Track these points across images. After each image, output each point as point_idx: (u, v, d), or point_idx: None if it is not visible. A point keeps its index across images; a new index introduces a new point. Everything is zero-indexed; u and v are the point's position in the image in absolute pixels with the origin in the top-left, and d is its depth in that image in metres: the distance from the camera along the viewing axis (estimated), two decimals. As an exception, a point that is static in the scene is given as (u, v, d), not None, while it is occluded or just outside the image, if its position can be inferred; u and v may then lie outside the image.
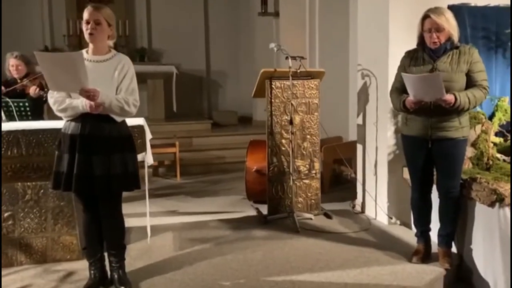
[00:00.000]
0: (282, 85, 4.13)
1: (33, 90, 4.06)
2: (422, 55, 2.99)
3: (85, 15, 2.71)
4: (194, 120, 8.51)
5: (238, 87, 9.53)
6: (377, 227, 3.93)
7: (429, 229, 3.23)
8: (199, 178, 6.10)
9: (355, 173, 5.03)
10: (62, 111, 2.64)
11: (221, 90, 9.85)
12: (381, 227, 3.91)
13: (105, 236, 2.82)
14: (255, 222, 4.13)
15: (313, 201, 4.26)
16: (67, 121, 2.70)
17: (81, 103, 2.59)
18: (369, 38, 4.11)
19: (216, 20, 9.48)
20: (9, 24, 8.60)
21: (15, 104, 3.80)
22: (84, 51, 2.77)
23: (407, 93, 2.92)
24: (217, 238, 3.73)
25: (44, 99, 3.95)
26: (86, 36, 2.71)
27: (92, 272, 2.82)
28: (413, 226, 3.33)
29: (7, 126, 3.12)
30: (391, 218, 3.94)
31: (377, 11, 3.97)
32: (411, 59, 3.05)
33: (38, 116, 4.09)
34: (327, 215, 4.21)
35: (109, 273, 2.87)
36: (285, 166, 4.18)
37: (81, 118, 2.65)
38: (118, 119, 2.70)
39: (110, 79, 2.68)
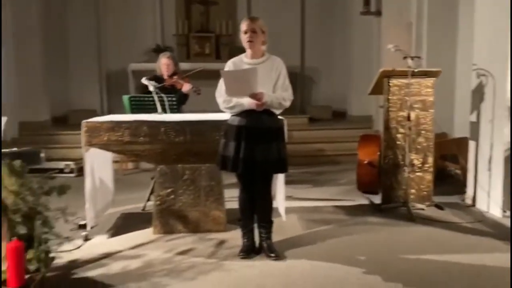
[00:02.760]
0: (399, 83, 4.44)
1: (187, 88, 4.69)
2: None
3: (243, 26, 3.20)
4: (291, 114, 8.97)
5: (331, 83, 9.85)
6: (491, 219, 4.14)
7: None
8: (304, 169, 6.53)
9: (461, 169, 5.22)
10: (231, 108, 3.18)
11: (315, 85, 10.22)
12: (495, 219, 4.11)
13: (257, 211, 3.34)
14: (369, 210, 4.49)
15: (425, 192, 4.54)
16: (232, 115, 3.24)
17: (247, 102, 3.11)
18: (487, 39, 4.29)
19: (312, 18, 9.88)
20: (125, 26, 9.60)
21: (168, 98, 4.44)
22: (243, 55, 3.29)
23: None
24: (338, 221, 4.15)
25: (198, 93, 4.62)
26: (245, 44, 3.21)
27: (245, 240, 3.36)
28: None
29: (175, 117, 3.75)
30: (505, 212, 4.12)
31: (495, 12, 4.15)
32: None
33: (180, 109, 4.75)
34: (438, 207, 4.47)
35: (257, 242, 3.39)
36: (399, 159, 4.50)
37: (245, 112, 3.17)
38: (276, 111, 3.20)
39: (267, 79, 3.18)
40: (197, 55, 9.56)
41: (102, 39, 9.64)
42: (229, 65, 3.25)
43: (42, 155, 3.47)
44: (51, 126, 8.54)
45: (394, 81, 4.45)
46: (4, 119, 3.35)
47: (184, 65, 6.33)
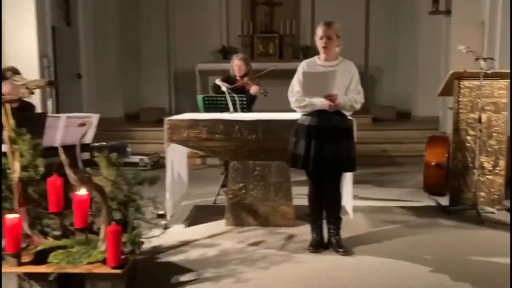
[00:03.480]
0: (470, 85, 4.40)
1: (255, 90, 4.92)
2: None
3: (319, 31, 3.33)
4: (354, 114, 8.97)
5: (395, 83, 9.74)
6: None
7: None
8: (367, 169, 6.52)
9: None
10: (302, 107, 3.34)
11: (378, 85, 10.14)
12: None
13: (327, 208, 3.48)
14: (436, 212, 4.49)
15: (495, 196, 4.46)
16: (303, 115, 3.40)
17: (320, 102, 3.25)
18: None
19: (376, 17, 9.81)
20: (192, 27, 10.00)
21: (239, 98, 4.68)
22: (316, 57, 3.43)
23: None
24: (404, 221, 4.19)
25: (265, 95, 4.82)
26: (320, 48, 3.35)
27: (314, 235, 3.51)
28: None
29: (248, 116, 3.96)
30: None
31: None
32: None
33: (250, 109, 4.97)
34: (509, 211, 4.38)
35: (325, 238, 3.53)
36: (468, 161, 4.45)
37: (316, 112, 3.31)
38: (346, 113, 3.32)
39: (340, 82, 3.29)
40: (261, 55, 9.78)
41: (171, 40, 10.12)
42: (303, 66, 3.39)
43: (129, 149, 3.79)
44: (124, 123, 9.10)
45: (465, 83, 4.41)
46: (96, 116, 3.71)
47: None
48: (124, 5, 9.29)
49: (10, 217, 2.66)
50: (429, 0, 7.48)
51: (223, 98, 4.73)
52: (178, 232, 3.86)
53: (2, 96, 2.76)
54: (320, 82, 3.18)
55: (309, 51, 10.00)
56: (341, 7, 9.61)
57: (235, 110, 4.62)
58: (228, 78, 5.04)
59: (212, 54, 10.14)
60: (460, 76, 4.43)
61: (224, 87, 4.62)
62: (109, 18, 8.63)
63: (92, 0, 8.04)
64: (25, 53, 5.69)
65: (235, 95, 4.65)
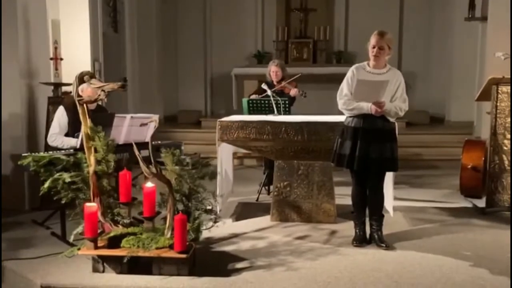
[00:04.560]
0: (508, 91, 4.54)
1: (294, 92, 5.19)
2: None
3: (372, 40, 3.53)
4: (387, 118, 9.14)
5: (429, 88, 9.84)
6: None
7: None
8: (403, 172, 6.66)
9: None
10: (350, 110, 3.57)
11: (411, 90, 10.21)
12: None
13: (370, 206, 3.69)
14: (472, 213, 4.64)
15: (532, 198, 4.58)
16: (349, 117, 3.63)
17: (367, 107, 3.47)
18: None
19: (410, 23, 9.95)
20: (228, 33, 10.34)
21: (282, 101, 4.95)
22: (366, 63, 3.64)
23: None
24: (442, 221, 4.36)
25: (304, 96, 5.08)
26: (371, 56, 3.56)
27: (357, 230, 3.73)
28: None
29: (294, 118, 4.23)
30: None
31: None
32: None
33: (290, 111, 5.23)
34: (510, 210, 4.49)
35: (368, 234, 3.74)
36: (505, 164, 4.59)
37: (362, 115, 3.54)
38: (391, 119, 3.54)
39: (388, 89, 3.50)
40: (295, 60, 10.05)
41: (208, 46, 10.50)
42: (352, 71, 3.61)
43: (183, 147, 4.09)
44: (164, 124, 9.49)
45: (503, 88, 4.55)
46: (156, 116, 4.03)
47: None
48: (165, 13, 9.71)
49: (88, 205, 3.00)
50: (465, 7, 7.57)
51: (266, 101, 5.01)
52: (227, 226, 4.14)
53: (82, 98, 3.10)
54: (371, 90, 3.41)
55: (343, 56, 10.22)
56: (375, 13, 9.80)
57: (279, 113, 4.90)
58: (266, 84, 5.32)
59: (247, 59, 10.47)
60: (498, 82, 4.57)
61: (269, 91, 4.90)
62: (152, 26, 9.05)
63: (137, 8, 8.46)
64: (79, 57, 6.09)
65: (278, 98, 4.92)
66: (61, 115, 4.23)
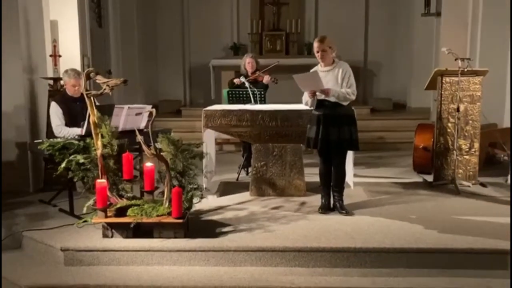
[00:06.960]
0: (451, 81, 5.31)
1: (267, 79, 5.85)
2: None
3: (315, 47, 4.25)
4: (353, 105, 9.86)
5: (392, 77, 10.66)
6: (527, 195, 4.94)
7: None
8: (366, 154, 7.46)
9: (508, 155, 5.98)
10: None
11: (376, 79, 11.04)
12: (531, 196, 4.91)
13: (333, 179, 4.40)
14: (422, 186, 5.42)
15: (471, 173, 5.40)
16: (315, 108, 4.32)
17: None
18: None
19: (375, 16, 10.70)
20: (206, 25, 10.88)
21: (258, 92, 5.61)
22: (319, 65, 4.34)
23: None
24: (395, 193, 5.12)
25: (275, 83, 5.76)
26: (318, 59, 4.26)
27: (323, 200, 4.44)
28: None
29: (269, 107, 4.89)
30: (540, 189, 4.91)
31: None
32: None
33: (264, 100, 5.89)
34: (482, 185, 5.31)
35: (331, 203, 4.46)
36: (449, 144, 5.38)
37: (322, 105, 4.22)
38: (344, 103, 4.24)
39: (336, 80, 4.21)
40: (269, 51, 10.68)
41: (186, 37, 11.01)
42: (314, 69, 4.32)
43: (172, 133, 4.70)
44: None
45: (446, 79, 5.32)
46: (149, 107, 4.61)
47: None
48: (146, 8, 10.19)
49: (99, 181, 3.60)
50: (421, 3, 8.33)
51: (244, 92, 5.66)
52: (212, 200, 4.80)
53: (90, 92, 3.68)
54: (308, 81, 4.12)
55: (312, 48, 10.89)
56: (343, 6, 10.51)
57: (255, 102, 5.56)
58: (242, 75, 5.96)
59: (223, 50, 11.03)
60: (442, 73, 5.34)
61: (247, 83, 5.55)
62: (133, 21, 9.52)
63: (120, 5, 8.92)
64: (69, 53, 6.57)
65: (255, 89, 5.58)
66: (56, 109, 4.71)
